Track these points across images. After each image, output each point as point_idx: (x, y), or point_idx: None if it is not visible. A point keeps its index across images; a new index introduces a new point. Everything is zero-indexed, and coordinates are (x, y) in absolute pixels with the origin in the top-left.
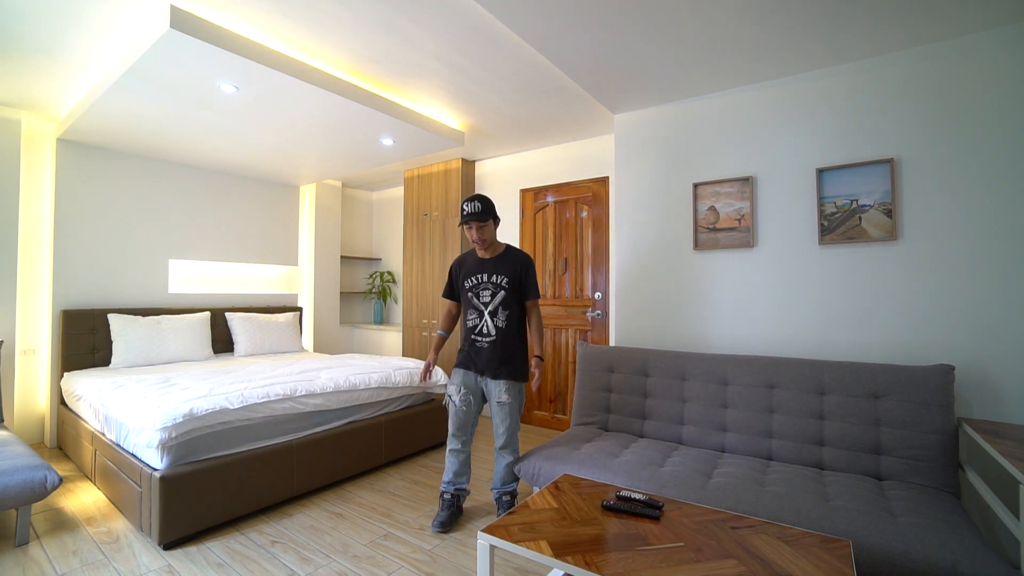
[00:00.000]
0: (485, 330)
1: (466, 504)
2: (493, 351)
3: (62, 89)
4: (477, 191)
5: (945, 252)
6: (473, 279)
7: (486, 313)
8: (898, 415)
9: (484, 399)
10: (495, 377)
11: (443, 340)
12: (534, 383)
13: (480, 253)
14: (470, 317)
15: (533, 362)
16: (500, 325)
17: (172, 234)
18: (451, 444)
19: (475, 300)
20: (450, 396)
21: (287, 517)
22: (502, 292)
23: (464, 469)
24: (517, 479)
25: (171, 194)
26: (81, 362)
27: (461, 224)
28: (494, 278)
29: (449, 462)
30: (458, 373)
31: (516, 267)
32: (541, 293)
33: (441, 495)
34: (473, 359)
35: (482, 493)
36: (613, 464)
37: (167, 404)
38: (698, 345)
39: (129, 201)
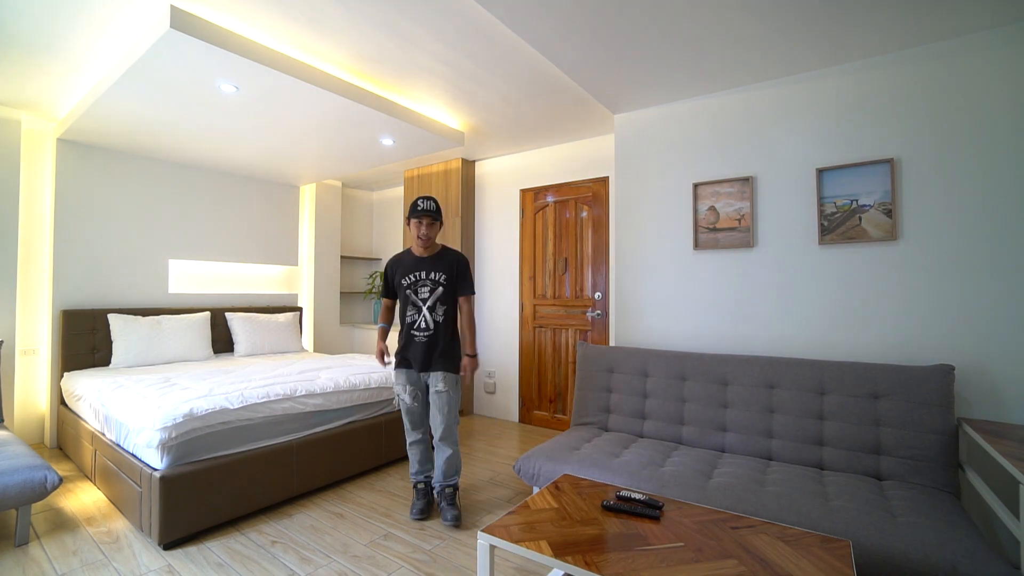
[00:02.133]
0: (423, 324)
1: (464, 503)
2: (430, 344)
3: (62, 89)
4: (477, 191)
5: (945, 252)
6: (411, 276)
7: (424, 308)
8: (898, 415)
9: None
10: (432, 369)
11: (386, 331)
12: (467, 378)
13: (419, 252)
14: (408, 313)
15: (465, 360)
16: (438, 320)
17: (172, 234)
18: (411, 437)
19: (413, 296)
20: (399, 396)
21: (287, 517)
22: (440, 288)
23: (427, 456)
24: (458, 472)
25: (171, 194)
26: (81, 362)
27: (411, 218)
28: (432, 275)
29: (412, 454)
30: (400, 373)
31: (453, 265)
32: (541, 293)
33: (414, 485)
34: (410, 357)
35: (481, 491)
36: (613, 464)
37: (167, 404)
38: (698, 345)
39: (129, 201)
